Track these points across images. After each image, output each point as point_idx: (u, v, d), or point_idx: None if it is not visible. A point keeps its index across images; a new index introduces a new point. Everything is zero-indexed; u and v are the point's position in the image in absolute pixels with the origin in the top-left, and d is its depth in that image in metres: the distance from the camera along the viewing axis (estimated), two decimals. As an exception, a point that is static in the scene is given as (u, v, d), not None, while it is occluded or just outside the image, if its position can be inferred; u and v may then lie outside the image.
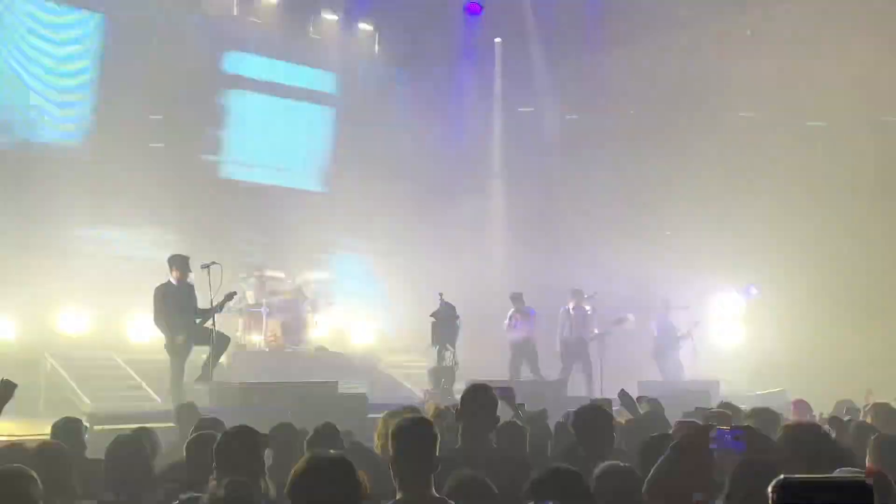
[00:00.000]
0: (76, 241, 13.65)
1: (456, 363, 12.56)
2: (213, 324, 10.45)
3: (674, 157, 16.47)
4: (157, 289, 10.42)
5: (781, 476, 1.55)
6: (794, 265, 15.01)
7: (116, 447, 4.79)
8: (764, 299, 16.27)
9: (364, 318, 16.54)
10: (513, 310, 13.44)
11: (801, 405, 8.16)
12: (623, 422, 6.26)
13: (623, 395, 6.82)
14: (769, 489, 1.55)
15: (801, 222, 15.15)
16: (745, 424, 3.31)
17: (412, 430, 3.88)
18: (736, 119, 16.16)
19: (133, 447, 4.75)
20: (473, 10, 17.13)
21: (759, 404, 6.76)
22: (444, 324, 12.67)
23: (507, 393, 5.84)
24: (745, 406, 6.64)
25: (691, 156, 16.24)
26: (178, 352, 10.24)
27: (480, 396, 4.68)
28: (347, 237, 16.78)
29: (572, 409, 5.53)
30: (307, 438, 5.05)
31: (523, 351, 13.28)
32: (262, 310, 13.70)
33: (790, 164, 15.45)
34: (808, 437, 4.00)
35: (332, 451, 3.80)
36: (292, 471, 3.08)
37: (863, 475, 3.10)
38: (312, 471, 3.01)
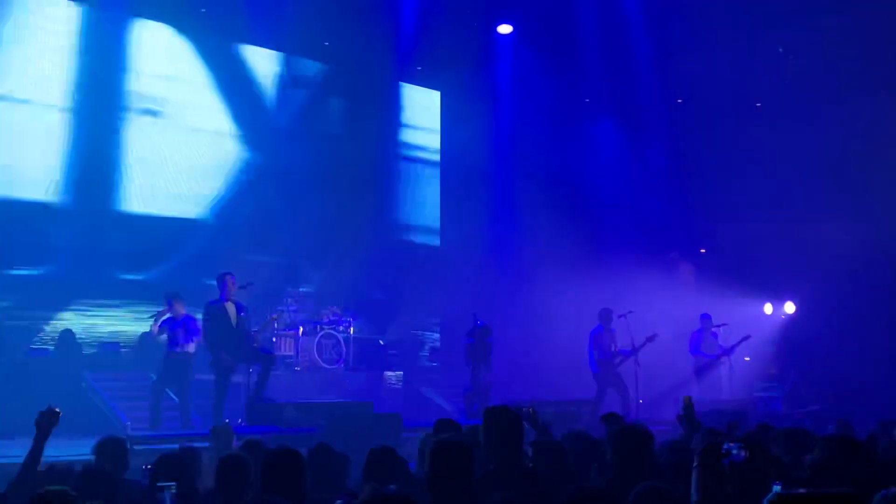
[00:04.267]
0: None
1: (490, 383, 12.56)
2: (259, 344, 10.63)
3: (709, 173, 16.47)
4: (207, 306, 10.57)
5: (775, 491, 1.61)
6: (836, 280, 14.80)
7: (161, 467, 4.70)
8: (805, 315, 16.09)
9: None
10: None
11: (842, 424, 8.06)
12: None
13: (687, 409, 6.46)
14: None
15: (841, 235, 14.95)
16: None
17: (448, 451, 3.88)
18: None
19: (178, 467, 4.70)
20: None
21: (798, 424, 6.70)
22: (479, 344, 12.68)
23: (527, 414, 5.73)
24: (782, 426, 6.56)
25: (725, 171, 16.22)
26: (222, 370, 10.34)
27: (502, 417, 4.59)
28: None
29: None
30: (365, 464, 4.88)
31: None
32: (297, 329, 13.82)
33: (826, 175, 15.30)
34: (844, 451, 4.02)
35: (391, 485, 3.80)
36: None
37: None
38: None
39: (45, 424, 4.81)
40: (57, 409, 4.89)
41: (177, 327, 10.96)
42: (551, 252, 15.87)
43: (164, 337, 11.04)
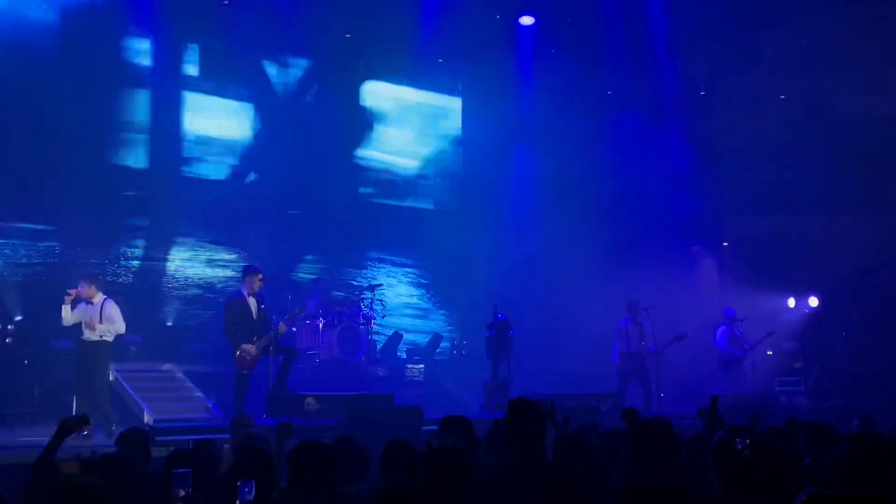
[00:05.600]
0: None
1: (511, 377, 12.53)
2: (281, 336, 10.65)
3: (732, 166, 16.35)
4: (228, 300, 10.62)
5: (807, 492, 1.59)
6: (858, 274, 14.66)
7: (172, 462, 4.78)
8: (827, 310, 15.94)
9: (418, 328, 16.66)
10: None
11: (867, 420, 7.97)
12: None
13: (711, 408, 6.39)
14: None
15: (865, 229, 14.81)
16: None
17: (444, 460, 3.92)
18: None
19: (188, 462, 4.68)
20: None
21: (820, 418, 6.63)
22: (499, 337, 12.65)
23: (548, 408, 5.68)
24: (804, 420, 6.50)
25: (748, 164, 16.10)
26: (244, 363, 10.38)
27: (524, 412, 4.58)
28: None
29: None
30: (381, 457, 4.90)
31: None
32: (318, 321, 13.85)
33: (851, 169, 15.14)
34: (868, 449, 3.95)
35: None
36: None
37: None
38: None
39: (69, 428, 4.75)
40: (88, 420, 4.94)
41: (93, 312, 10.05)
42: (572, 245, 15.79)
43: (77, 322, 10.01)
